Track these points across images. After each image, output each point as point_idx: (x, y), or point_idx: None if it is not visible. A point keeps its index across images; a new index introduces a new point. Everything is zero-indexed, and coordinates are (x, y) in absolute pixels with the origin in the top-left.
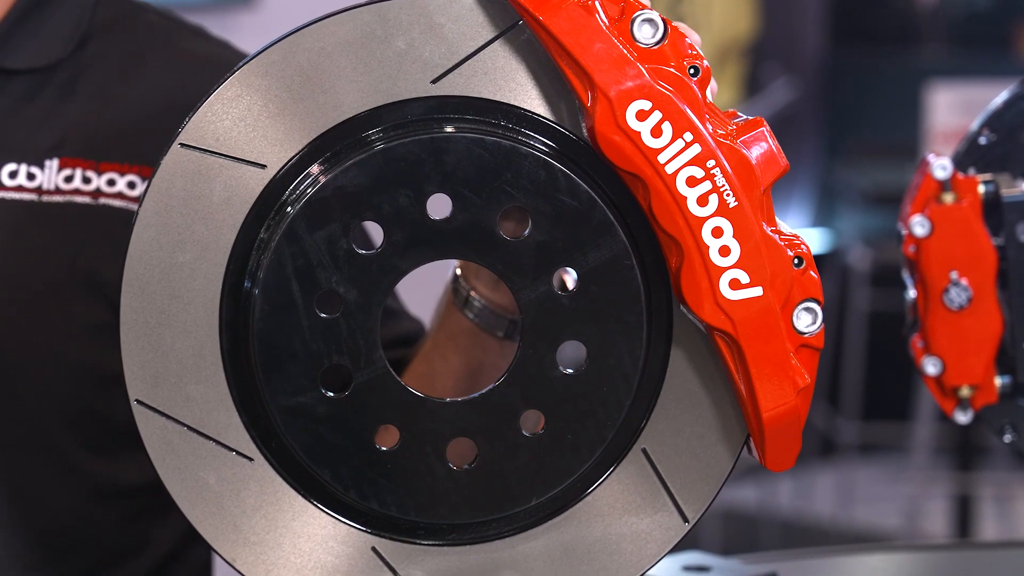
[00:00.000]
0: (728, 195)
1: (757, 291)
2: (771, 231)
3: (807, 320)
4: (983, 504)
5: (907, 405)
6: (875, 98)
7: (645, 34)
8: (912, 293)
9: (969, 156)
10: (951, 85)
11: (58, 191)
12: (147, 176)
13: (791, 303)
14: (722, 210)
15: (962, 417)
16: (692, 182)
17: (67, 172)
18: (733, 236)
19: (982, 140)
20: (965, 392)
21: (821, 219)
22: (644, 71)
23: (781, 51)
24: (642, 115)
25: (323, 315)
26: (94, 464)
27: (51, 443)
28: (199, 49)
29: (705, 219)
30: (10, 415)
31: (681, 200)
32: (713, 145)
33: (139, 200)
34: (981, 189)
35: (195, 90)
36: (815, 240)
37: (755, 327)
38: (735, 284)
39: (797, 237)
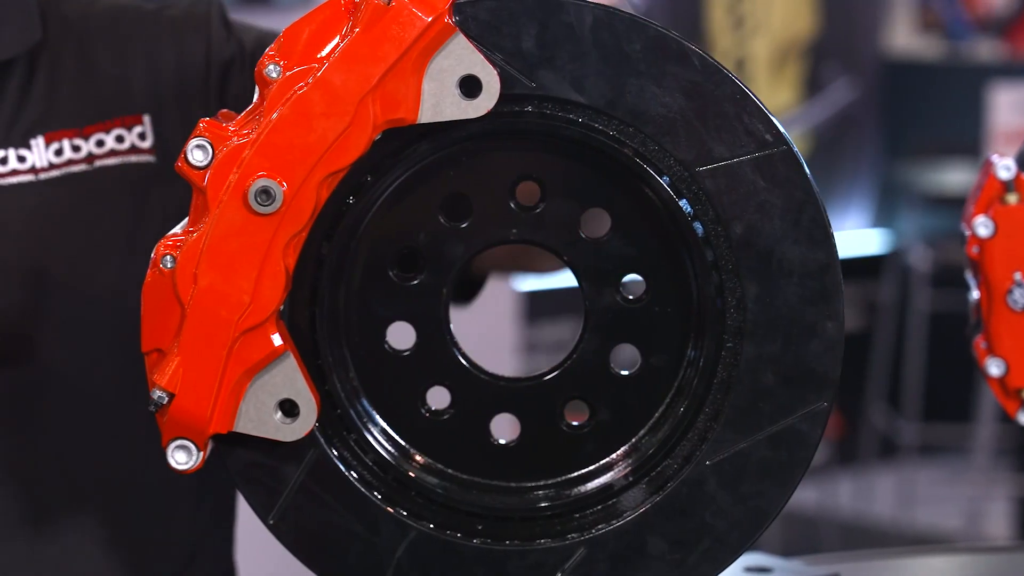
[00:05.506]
0: None
1: None
2: None
3: None
4: None
5: (968, 406)
6: (936, 98)
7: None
8: (975, 294)
9: None
10: (1013, 85)
11: (52, 166)
12: (130, 125)
13: None
14: None
15: None
16: None
17: (55, 146)
18: None
19: None
20: None
21: (882, 219)
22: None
23: (842, 50)
24: None
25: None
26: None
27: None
28: (145, 11)
29: None
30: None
31: None
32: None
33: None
34: None
35: (162, 46)
36: (876, 240)
37: None
38: None
39: None
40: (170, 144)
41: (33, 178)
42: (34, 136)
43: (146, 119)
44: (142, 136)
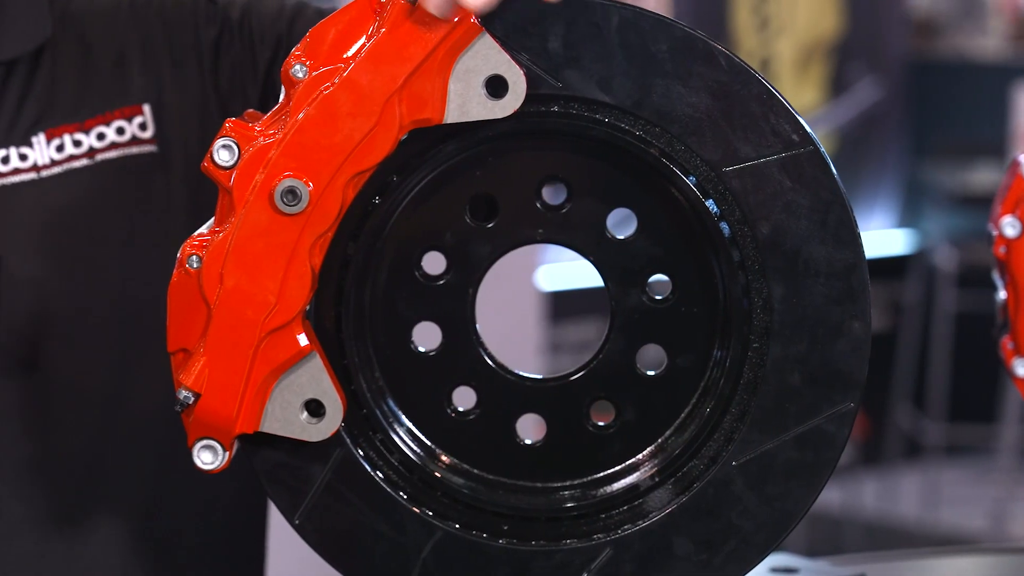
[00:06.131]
0: None
1: None
2: None
3: None
4: None
5: (993, 406)
6: (962, 97)
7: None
8: (1002, 294)
9: None
10: None
11: (54, 163)
12: (131, 116)
13: None
14: None
15: None
16: None
17: (56, 142)
18: None
19: None
20: None
21: (907, 219)
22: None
23: (866, 50)
24: None
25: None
26: None
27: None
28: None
29: None
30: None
31: None
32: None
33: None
34: None
35: (155, 36)
36: (901, 241)
37: None
38: None
39: None
40: (171, 132)
41: (35, 176)
42: (35, 133)
43: (146, 109)
44: (143, 126)
